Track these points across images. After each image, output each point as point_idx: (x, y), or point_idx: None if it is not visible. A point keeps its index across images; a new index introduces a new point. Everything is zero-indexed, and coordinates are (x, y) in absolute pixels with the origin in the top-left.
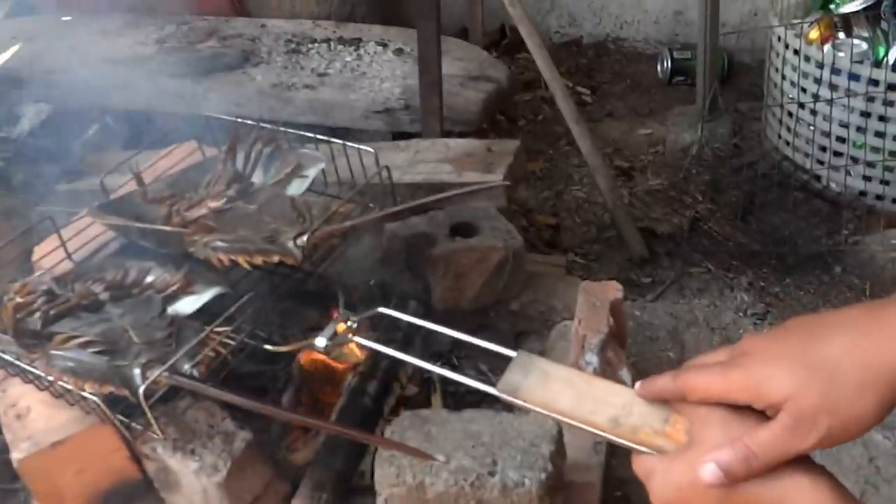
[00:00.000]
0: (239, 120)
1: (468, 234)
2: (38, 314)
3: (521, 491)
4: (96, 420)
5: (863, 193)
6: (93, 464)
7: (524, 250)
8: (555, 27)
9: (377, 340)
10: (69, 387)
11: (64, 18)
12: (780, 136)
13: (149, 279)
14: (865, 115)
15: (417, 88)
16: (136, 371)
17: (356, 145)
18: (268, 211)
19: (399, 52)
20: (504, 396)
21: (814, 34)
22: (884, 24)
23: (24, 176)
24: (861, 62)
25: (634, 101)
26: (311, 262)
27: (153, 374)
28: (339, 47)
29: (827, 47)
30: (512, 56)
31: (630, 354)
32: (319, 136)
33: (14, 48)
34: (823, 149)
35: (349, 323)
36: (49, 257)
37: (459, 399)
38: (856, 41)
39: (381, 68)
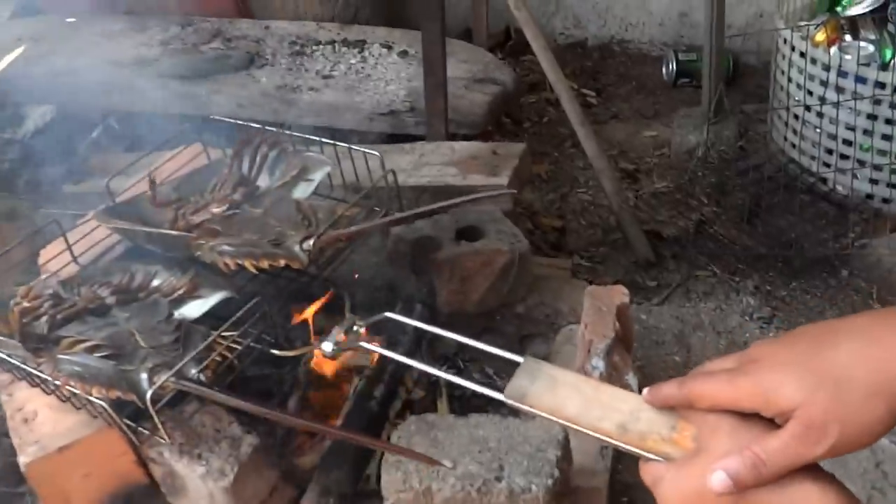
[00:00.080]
0: (243, 123)
1: (473, 237)
2: (44, 318)
3: (527, 497)
4: (103, 424)
5: (869, 196)
6: (99, 468)
7: (530, 254)
8: (559, 29)
9: (383, 344)
10: (76, 391)
11: (68, 20)
12: (786, 139)
13: (155, 283)
14: (872, 117)
15: (422, 91)
16: (143, 376)
17: (362, 148)
18: (273, 214)
19: (404, 54)
20: (511, 402)
21: (820, 37)
22: (890, 27)
23: (28, 177)
24: (868, 65)
25: (639, 103)
26: (316, 265)
27: (160, 378)
28: (344, 49)
29: (833, 50)
30: (517, 58)
31: (636, 358)
32: (325, 140)
33: (19, 50)
34: (830, 151)
35: (356, 328)
36: (55, 260)
37: (465, 403)
38: (862, 44)
39: (386, 70)
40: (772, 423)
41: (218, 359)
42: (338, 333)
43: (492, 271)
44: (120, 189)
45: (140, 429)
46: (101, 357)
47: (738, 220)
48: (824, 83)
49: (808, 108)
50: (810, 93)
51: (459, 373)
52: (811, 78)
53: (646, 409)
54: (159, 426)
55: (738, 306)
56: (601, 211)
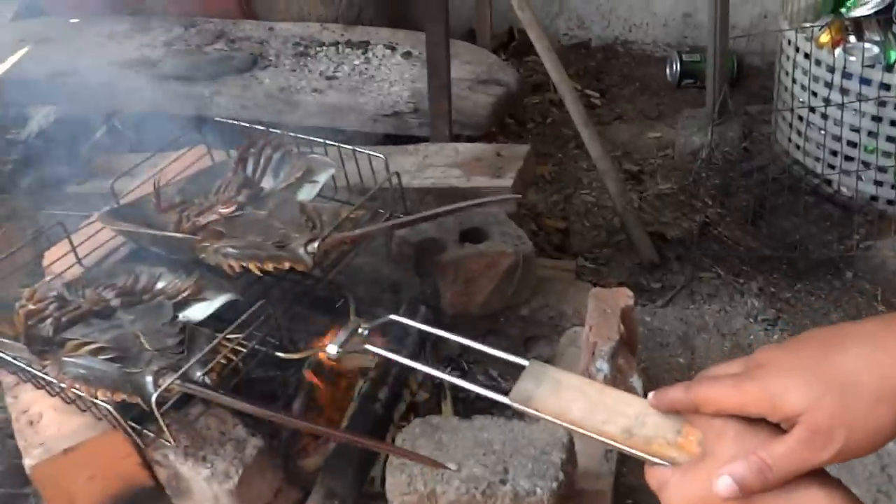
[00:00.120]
0: (247, 125)
1: (478, 239)
2: (49, 320)
3: (532, 500)
4: (108, 426)
5: (874, 198)
6: (104, 470)
7: (534, 256)
8: (563, 30)
9: (388, 346)
10: (81, 393)
11: (72, 21)
12: (790, 140)
13: (159, 285)
14: (877, 119)
15: (426, 92)
16: (149, 378)
17: (366, 151)
18: (277, 216)
19: (407, 55)
20: (516, 405)
21: (825, 38)
22: (895, 28)
23: (32, 178)
24: (872, 66)
25: (643, 103)
26: (321, 268)
27: (165, 381)
28: (348, 50)
29: (838, 51)
30: (520, 59)
31: (640, 360)
32: (329, 142)
33: (22, 51)
34: (834, 153)
35: (361, 330)
36: (60, 262)
37: (470, 405)
38: (867, 45)
39: (390, 72)
40: (777, 428)
41: (223, 361)
42: (343, 336)
43: (496, 273)
44: (124, 190)
45: (145, 431)
46: (106, 359)
47: (743, 222)
48: (829, 85)
49: (812, 109)
50: (815, 94)
51: (464, 374)
52: (815, 79)
53: (651, 413)
54: (164, 429)
55: (743, 308)
56: (605, 212)
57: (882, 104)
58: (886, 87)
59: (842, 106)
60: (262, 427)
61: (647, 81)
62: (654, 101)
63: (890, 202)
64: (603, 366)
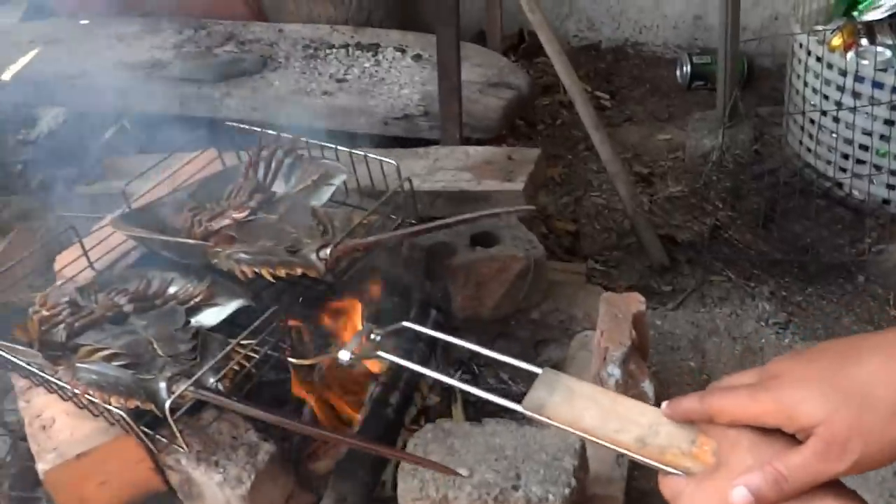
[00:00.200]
0: (259, 130)
1: (489, 243)
2: (62, 326)
3: None
4: (120, 431)
5: (886, 202)
6: (117, 475)
7: (545, 260)
8: (573, 31)
9: (400, 353)
10: (95, 400)
11: (82, 22)
12: (801, 143)
13: (171, 290)
14: (889, 122)
15: (436, 95)
16: (162, 385)
17: (379, 157)
18: (289, 220)
19: (417, 57)
20: (529, 414)
21: (836, 41)
22: None
23: (41, 178)
24: (885, 70)
25: (653, 105)
26: (332, 273)
27: (179, 388)
28: (358, 53)
29: (850, 55)
30: (530, 60)
31: (651, 364)
32: (340, 147)
33: (33, 52)
34: (846, 156)
35: (373, 336)
36: (71, 266)
37: (480, 408)
38: (879, 49)
39: (400, 74)
40: (792, 438)
41: (236, 367)
42: (355, 342)
43: (507, 278)
44: (135, 192)
45: (158, 437)
46: (120, 366)
47: (754, 225)
48: (841, 88)
49: (824, 112)
50: (826, 97)
51: (474, 378)
52: (827, 83)
53: (665, 423)
54: (178, 435)
55: (754, 312)
56: (615, 215)
57: (894, 108)
58: None
59: (854, 110)
60: (273, 431)
61: (657, 83)
62: (665, 102)
63: None
64: (614, 371)
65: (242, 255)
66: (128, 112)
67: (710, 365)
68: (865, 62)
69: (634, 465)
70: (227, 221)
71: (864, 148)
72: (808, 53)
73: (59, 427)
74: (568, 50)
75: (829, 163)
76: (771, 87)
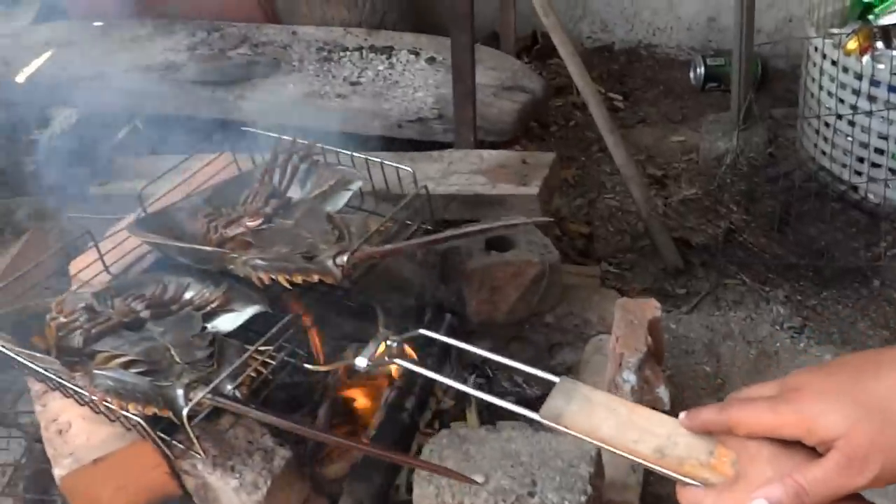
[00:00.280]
0: (275, 135)
1: (503, 247)
2: (79, 332)
3: None
4: (137, 436)
5: None
6: (133, 480)
7: (560, 264)
8: (587, 33)
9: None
10: (112, 406)
11: (95, 24)
12: (816, 146)
13: (187, 295)
14: None
15: (450, 98)
16: (180, 392)
17: (395, 164)
18: (304, 226)
19: (431, 60)
20: (547, 423)
21: (852, 45)
22: None
23: (54, 178)
24: None
25: (667, 107)
26: (349, 279)
27: (196, 395)
28: (371, 55)
29: (866, 58)
30: (544, 62)
31: (666, 368)
32: (356, 153)
33: (47, 54)
34: (861, 160)
35: (389, 343)
36: (87, 270)
37: (494, 412)
38: (895, 53)
39: (414, 77)
40: (812, 451)
41: (253, 374)
42: (372, 349)
43: (522, 282)
44: (149, 195)
45: (174, 442)
46: (137, 373)
47: (768, 229)
48: (856, 92)
49: (839, 116)
50: (841, 101)
51: (489, 381)
52: (842, 86)
53: (683, 433)
54: (195, 442)
55: (769, 315)
56: (629, 217)
57: None
58: None
59: (870, 113)
60: (288, 435)
61: (670, 85)
62: (678, 104)
63: None
64: (630, 377)
65: (259, 262)
66: (141, 114)
67: (724, 369)
68: (881, 66)
69: (650, 471)
70: (242, 229)
71: (879, 152)
72: (824, 57)
73: (75, 432)
74: (581, 51)
75: (844, 166)
76: (785, 88)
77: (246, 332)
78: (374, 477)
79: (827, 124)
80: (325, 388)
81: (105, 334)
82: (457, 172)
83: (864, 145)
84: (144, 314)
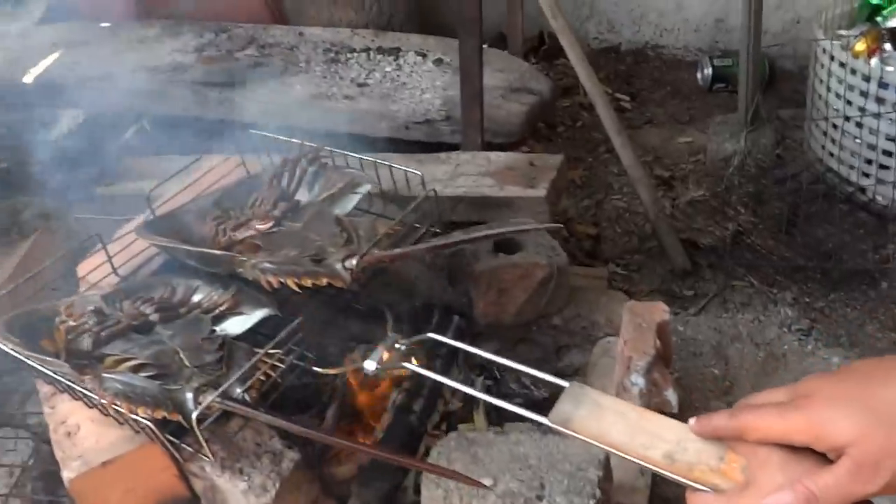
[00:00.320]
0: (284, 138)
1: (511, 249)
2: (87, 335)
3: None
4: (146, 439)
5: None
6: (142, 483)
7: (568, 267)
8: (593, 33)
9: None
10: (121, 410)
11: (102, 25)
12: (824, 148)
13: (196, 298)
14: None
15: (458, 99)
16: (189, 395)
17: (404, 167)
18: (313, 229)
19: (438, 62)
20: (556, 427)
21: (860, 47)
22: None
23: (61, 179)
24: None
25: (674, 107)
26: (357, 283)
27: (206, 399)
28: (379, 57)
29: (874, 60)
30: (551, 62)
31: (674, 370)
32: (365, 156)
33: (54, 55)
34: (869, 162)
35: (398, 346)
36: (95, 272)
37: (502, 413)
38: None
39: (421, 79)
40: (822, 457)
41: (262, 378)
42: (381, 352)
43: (530, 284)
44: (157, 197)
45: (183, 445)
46: (147, 376)
47: (776, 230)
48: (864, 94)
49: (847, 118)
50: (849, 103)
51: (496, 382)
52: (851, 88)
53: (692, 439)
54: (204, 445)
55: (777, 318)
56: (636, 218)
57: None
58: None
59: (878, 115)
60: (296, 438)
61: (677, 85)
62: (685, 105)
63: None
64: (638, 380)
65: (268, 265)
66: (148, 114)
67: (732, 371)
68: (890, 68)
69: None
70: (251, 232)
71: (887, 154)
72: (832, 59)
73: (84, 434)
74: (588, 52)
75: (852, 168)
76: (792, 89)
77: (255, 336)
78: (383, 479)
79: (835, 126)
80: (333, 390)
81: (114, 337)
82: (464, 174)
83: (873, 147)
84: (153, 317)
